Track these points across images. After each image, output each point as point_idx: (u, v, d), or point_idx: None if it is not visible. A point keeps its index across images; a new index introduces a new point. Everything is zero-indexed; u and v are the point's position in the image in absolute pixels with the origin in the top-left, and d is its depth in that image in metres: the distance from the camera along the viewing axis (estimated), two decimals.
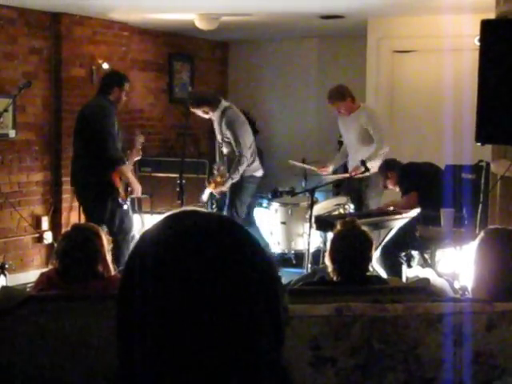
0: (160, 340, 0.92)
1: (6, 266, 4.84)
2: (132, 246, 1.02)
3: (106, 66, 7.22)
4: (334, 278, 3.13)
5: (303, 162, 7.52)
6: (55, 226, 7.11)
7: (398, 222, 5.64)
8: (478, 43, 3.79)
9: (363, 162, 6.02)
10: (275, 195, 7.88)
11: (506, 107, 3.68)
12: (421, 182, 5.67)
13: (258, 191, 8.44)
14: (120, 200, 5.75)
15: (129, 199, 5.88)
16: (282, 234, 6.80)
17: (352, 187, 6.54)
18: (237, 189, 6.21)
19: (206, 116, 6.26)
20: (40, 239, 7.06)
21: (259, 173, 6.37)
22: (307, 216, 5.74)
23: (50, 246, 6.94)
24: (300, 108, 9.06)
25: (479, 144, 3.86)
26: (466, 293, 3.23)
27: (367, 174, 6.06)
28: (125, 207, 5.82)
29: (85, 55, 7.22)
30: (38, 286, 3.18)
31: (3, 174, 6.63)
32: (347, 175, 6.48)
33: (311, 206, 5.64)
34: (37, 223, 7.01)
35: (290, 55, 9.14)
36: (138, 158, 6.09)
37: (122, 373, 0.97)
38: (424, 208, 5.46)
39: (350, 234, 3.22)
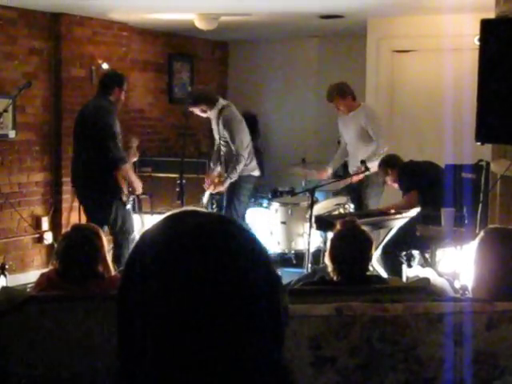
0: (160, 340, 0.92)
1: (6, 266, 4.84)
2: (132, 246, 1.02)
3: (105, 66, 7.22)
4: (335, 278, 3.13)
5: (303, 161, 7.52)
6: (55, 226, 7.12)
7: (398, 222, 5.64)
8: (477, 43, 3.79)
9: (363, 162, 6.03)
10: (275, 195, 7.88)
11: (506, 107, 3.67)
12: (421, 180, 5.67)
13: (257, 191, 8.46)
14: (124, 198, 5.77)
15: (131, 198, 5.90)
16: (282, 233, 6.80)
17: (352, 187, 6.54)
18: (235, 188, 6.22)
19: (204, 115, 6.27)
20: (40, 239, 7.06)
21: (256, 172, 6.39)
22: (307, 216, 5.74)
23: (50, 246, 6.94)
24: (300, 108, 9.05)
25: (479, 143, 3.86)
26: (467, 292, 3.22)
27: (367, 173, 6.06)
28: (128, 207, 5.84)
29: (85, 55, 7.22)
30: (38, 287, 3.18)
31: (3, 175, 6.63)
32: (348, 180, 6.49)
33: (311, 206, 5.64)
34: (37, 223, 7.01)
35: (289, 55, 9.14)
36: (135, 159, 6.12)
37: (122, 373, 0.97)
38: (424, 207, 5.46)
39: (350, 233, 3.22)
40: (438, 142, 6.71)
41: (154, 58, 8.52)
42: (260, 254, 0.98)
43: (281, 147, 9.07)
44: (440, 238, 4.93)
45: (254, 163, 6.37)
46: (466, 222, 4.71)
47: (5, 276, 4.71)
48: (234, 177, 6.14)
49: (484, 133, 3.79)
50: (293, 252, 6.92)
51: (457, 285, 4.14)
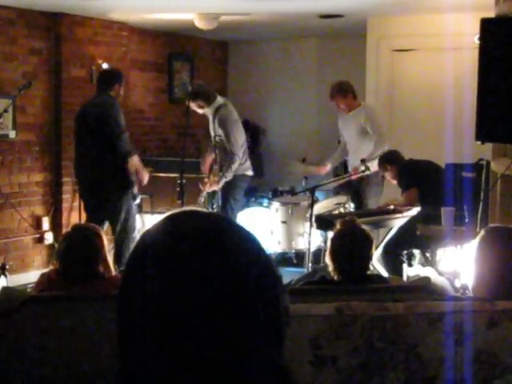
0: (160, 340, 0.92)
1: (7, 266, 4.85)
2: (133, 246, 1.02)
3: (105, 66, 7.22)
4: (335, 278, 3.13)
5: (303, 161, 7.53)
6: (56, 226, 7.12)
7: (398, 221, 5.64)
8: (477, 42, 3.79)
9: (363, 161, 6.03)
10: (275, 194, 7.89)
11: (506, 106, 3.67)
12: (420, 178, 5.67)
13: (258, 191, 8.47)
14: (135, 191, 5.85)
15: (139, 195, 5.98)
16: (282, 233, 6.79)
17: (352, 186, 6.54)
18: (230, 188, 6.24)
19: (201, 111, 6.28)
20: (40, 240, 7.06)
21: (250, 172, 6.43)
22: (308, 215, 5.74)
23: (51, 246, 6.95)
24: (300, 107, 9.05)
25: (479, 142, 3.86)
26: (467, 291, 3.22)
27: (367, 172, 6.06)
28: (137, 201, 5.91)
29: (85, 55, 7.22)
30: (38, 287, 3.19)
31: (3, 175, 6.63)
32: (347, 177, 6.48)
33: (311, 206, 5.64)
34: (37, 224, 7.01)
35: (289, 54, 9.13)
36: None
37: (123, 373, 0.97)
38: (424, 205, 5.46)
39: (350, 233, 3.22)
40: (439, 141, 6.71)
41: (154, 57, 8.52)
42: (259, 253, 0.98)
43: (281, 147, 9.08)
44: (440, 237, 4.93)
45: (248, 163, 6.40)
46: (467, 221, 4.71)
47: (5, 276, 4.72)
48: (229, 176, 6.16)
49: (484, 132, 3.79)
50: (293, 251, 6.92)
51: (457, 284, 4.14)
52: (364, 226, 3.35)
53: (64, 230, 6.51)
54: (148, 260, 0.96)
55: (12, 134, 6.69)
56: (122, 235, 5.89)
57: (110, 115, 5.73)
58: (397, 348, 2.31)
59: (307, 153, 8.24)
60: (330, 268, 3.16)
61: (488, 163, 4.92)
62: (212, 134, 6.36)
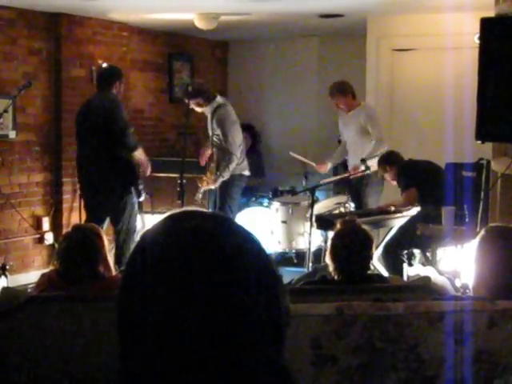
0: (160, 340, 0.92)
1: (7, 266, 4.85)
2: (133, 246, 1.02)
3: (105, 65, 7.21)
4: (335, 277, 3.13)
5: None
6: (56, 226, 7.11)
7: (398, 221, 5.64)
8: (477, 41, 3.79)
9: (363, 161, 6.03)
10: (276, 194, 7.89)
11: (506, 105, 3.67)
12: (420, 178, 5.67)
13: (258, 191, 8.46)
14: (141, 187, 5.87)
15: (144, 193, 6.01)
16: (282, 233, 6.80)
17: (352, 185, 6.55)
18: (228, 187, 6.25)
19: (199, 109, 6.30)
20: (41, 240, 7.06)
21: (247, 172, 6.45)
22: (308, 215, 5.74)
23: (51, 246, 6.95)
24: (300, 107, 9.05)
25: (479, 142, 3.86)
26: (467, 291, 3.23)
27: (368, 172, 6.07)
28: (142, 198, 5.92)
29: (84, 55, 7.22)
30: (38, 287, 3.18)
31: (4, 175, 6.63)
32: (346, 175, 6.49)
33: (312, 205, 5.64)
34: (37, 224, 7.01)
35: (289, 54, 9.13)
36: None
37: (123, 373, 0.97)
38: (424, 205, 5.46)
39: (351, 232, 3.22)
40: (439, 141, 6.71)
41: (154, 57, 8.52)
42: (260, 253, 0.98)
43: (281, 146, 9.07)
44: (441, 236, 4.93)
45: (246, 163, 6.42)
46: (467, 220, 4.71)
47: (5, 276, 4.72)
48: (226, 175, 6.17)
49: (484, 131, 3.79)
50: (293, 251, 6.93)
51: (458, 283, 4.15)
52: (364, 226, 3.35)
53: (64, 231, 6.50)
54: (148, 260, 0.96)
55: (12, 134, 6.68)
56: (123, 235, 5.90)
57: (116, 112, 5.80)
58: (397, 348, 2.31)
59: (307, 152, 8.23)
60: (331, 268, 3.16)
61: (488, 162, 4.92)
62: (210, 133, 6.37)
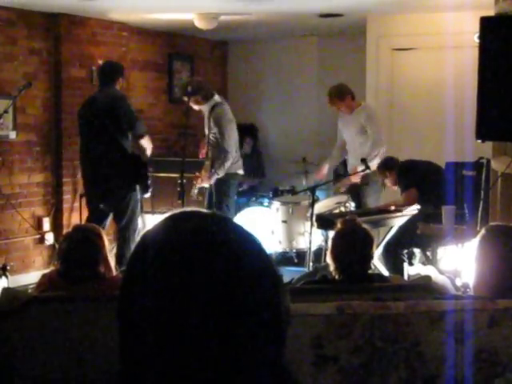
0: (161, 340, 0.92)
1: (8, 267, 4.85)
2: (133, 246, 1.02)
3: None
4: (336, 277, 3.13)
5: (303, 161, 7.53)
6: (56, 226, 7.12)
7: (399, 220, 5.64)
8: (477, 40, 3.79)
9: (364, 160, 6.03)
10: (276, 194, 7.89)
11: (506, 104, 3.67)
12: (419, 178, 5.68)
13: (258, 190, 8.47)
14: (148, 183, 5.90)
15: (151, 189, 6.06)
16: (283, 232, 6.80)
17: (351, 185, 6.55)
18: (224, 186, 6.26)
19: (197, 107, 6.31)
20: (41, 240, 7.06)
21: (241, 171, 6.47)
22: (308, 214, 5.74)
23: (52, 247, 6.95)
24: (300, 107, 9.05)
25: (479, 141, 3.86)
26: (468, 290, 3.22)
27: (368, 171, 6.07)
28: (148, 194, 5.99)
29: (84, 56, 7.22)
30: (39, 288, 3.19)
31: (4, 176, 6.63)
32: (348, 181, 6.50)
33: (312, 205, 5.64)
34: (38, 224, 7.01)
35: (289, 54, 9.13)
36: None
37: (124, 373, 0.97)
38: (424, 205, 5.46)
39: (351, 232, 3.22)
40: (439, 140, 6.71)
41: (154, 57, 8.52)
42: (260, 253, 0.98)
43: (281, 146, 9.07)
44: (441, 235, 4.93)
45: (240, 162, 6.44)
46: (467, 219, 4.71)
47: (6, 277, 4.72)
48: (221, 173, 6.18)
49: (484, 130, 3.79)
50: (294, 251, 6.93)
51: (458, 282, 4.14)
52: (365, 225, 3.35)
53: (65, 231, 6.51)
54: (149, 260, 0.96)
55: (12, 135, 6.69)
56: (124, 233, 5.91)
57: (125, 106, 5.90)
58: (398, 347, 2.31)
59: (307, 153, 8.24)
60: (331, 267, 3.16)
61: (488, 161, 4.92)
62: (206, 131, 6.39)
